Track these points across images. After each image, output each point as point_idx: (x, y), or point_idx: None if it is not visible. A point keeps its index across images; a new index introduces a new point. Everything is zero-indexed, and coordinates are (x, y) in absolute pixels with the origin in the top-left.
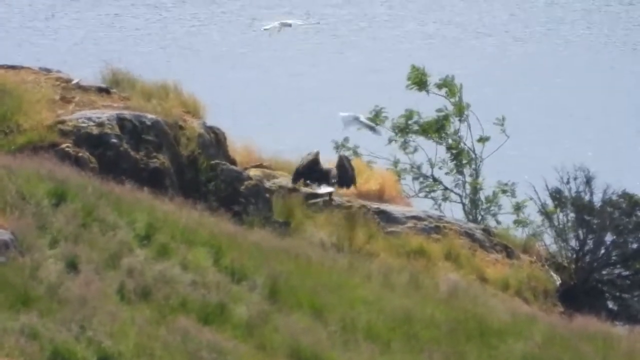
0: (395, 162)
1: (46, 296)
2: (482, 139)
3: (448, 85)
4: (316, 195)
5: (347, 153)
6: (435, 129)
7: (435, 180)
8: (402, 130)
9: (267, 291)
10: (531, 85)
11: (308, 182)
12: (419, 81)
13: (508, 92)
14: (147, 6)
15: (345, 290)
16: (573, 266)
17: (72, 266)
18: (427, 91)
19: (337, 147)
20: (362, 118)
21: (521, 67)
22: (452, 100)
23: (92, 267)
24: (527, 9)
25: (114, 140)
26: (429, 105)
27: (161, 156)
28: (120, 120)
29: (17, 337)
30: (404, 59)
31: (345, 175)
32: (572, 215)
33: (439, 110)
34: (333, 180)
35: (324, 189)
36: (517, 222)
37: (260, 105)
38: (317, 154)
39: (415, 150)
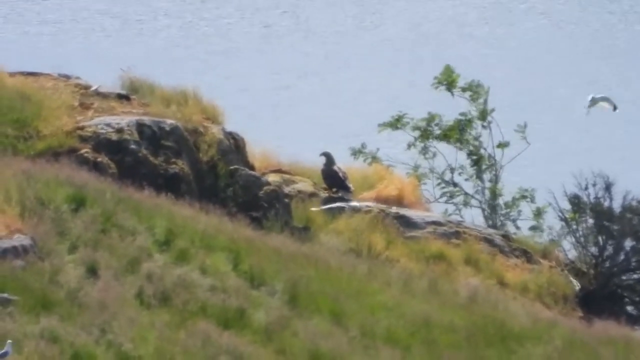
0: (416, 167)
1: (66, 300)
2: (502, 145)
3: (473, 89)
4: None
5: (365, 158)
6: (458, 131)
7: (455, 185)
8: (423, 133)
9: (286, 296)
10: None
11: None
12: (449, 80)
13: (530, 97)
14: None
15: (364, 295)
16: (592, 271)
17: (92, 271)
18: (452, 93)
19: (355, 153)
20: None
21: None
22: (476, 104)
23: (111, 272)
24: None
25: (133, 146)
26: (450, 110)
27: (180, 162)
28: (140, 126)
29: (37, 340)
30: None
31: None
32: (590, 221)
33: (462, 114)
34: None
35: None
36: (534, 229)
37: (278, 109)
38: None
39: (435, 155)
